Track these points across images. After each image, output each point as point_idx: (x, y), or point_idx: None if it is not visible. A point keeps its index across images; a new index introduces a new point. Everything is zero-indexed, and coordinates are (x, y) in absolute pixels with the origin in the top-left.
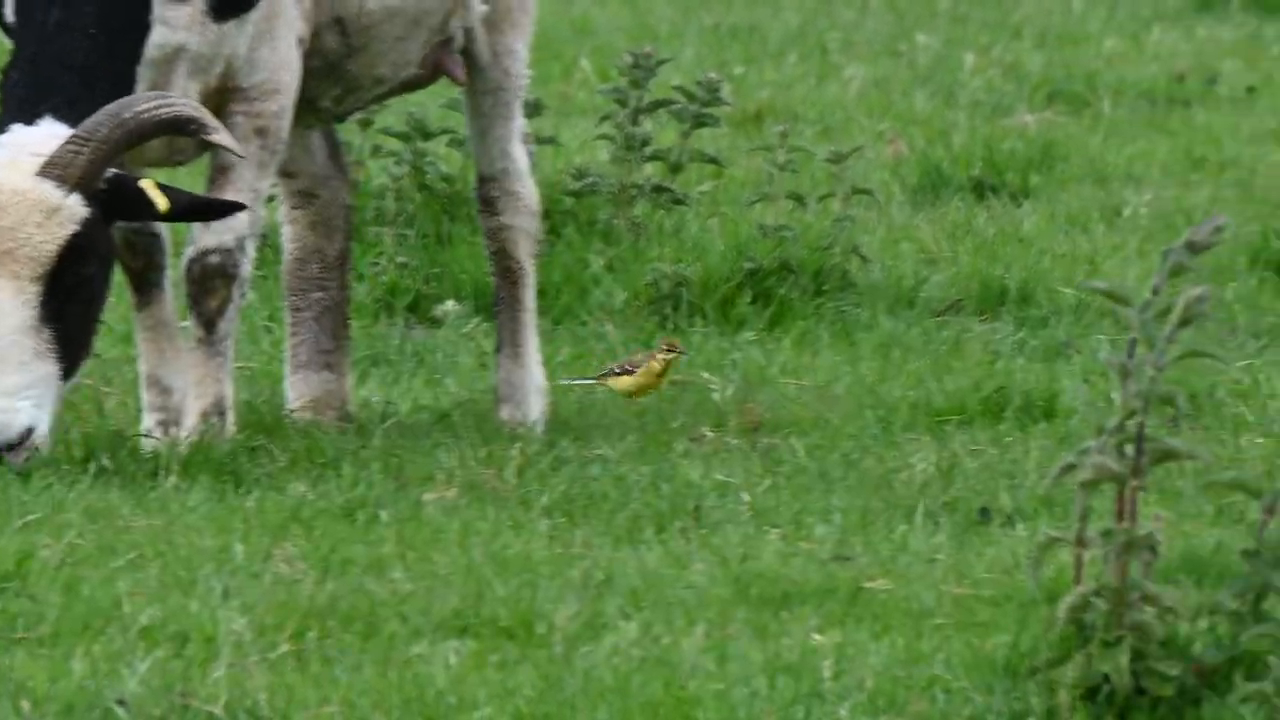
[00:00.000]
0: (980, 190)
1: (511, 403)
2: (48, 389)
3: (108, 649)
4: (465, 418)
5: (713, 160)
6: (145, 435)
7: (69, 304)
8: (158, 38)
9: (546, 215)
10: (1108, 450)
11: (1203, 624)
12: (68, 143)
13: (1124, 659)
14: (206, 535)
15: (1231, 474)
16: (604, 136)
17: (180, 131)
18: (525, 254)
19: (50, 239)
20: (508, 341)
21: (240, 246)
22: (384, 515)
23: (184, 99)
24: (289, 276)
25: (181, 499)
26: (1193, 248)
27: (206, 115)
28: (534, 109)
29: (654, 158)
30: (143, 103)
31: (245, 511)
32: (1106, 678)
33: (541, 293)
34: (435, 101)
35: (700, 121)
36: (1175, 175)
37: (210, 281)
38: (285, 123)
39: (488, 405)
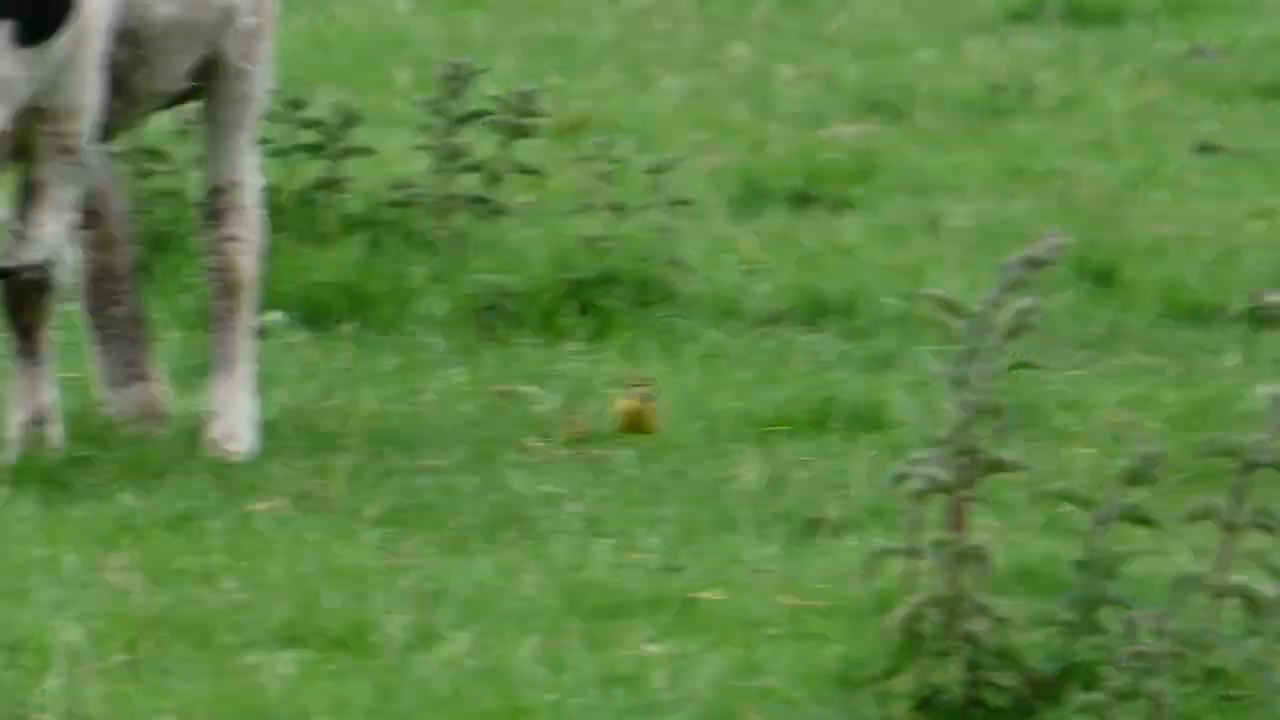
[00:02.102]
0: (800, 201)
1: (221, 425)
2: None
3: None
4: (292, 427)
5: (532, 171)
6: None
7: None
8: None
9: (368, 226)
10: (938, 461)
11: (1037, 635)
12: None
13: (957, 670)
14: (36, 545)
15: (1062, 485)
16: (423, 147)
17: None
18: (249, 269)
19: None
20: (223, 361)
21: (55, 258)
22: (213, 525)
23: None
24: (85, 298)
25: (10, 509)
26: (1031, 263)
27: None
28: (349, 119)
29: (472, 168)
30: None
31: (75, 522)
32: (940, 688)
33: (364, 304)
34: None
35: (518, 132)
36: (994, 186)
37: (27, 296)
38: (89, 138)
39: (314, 415)
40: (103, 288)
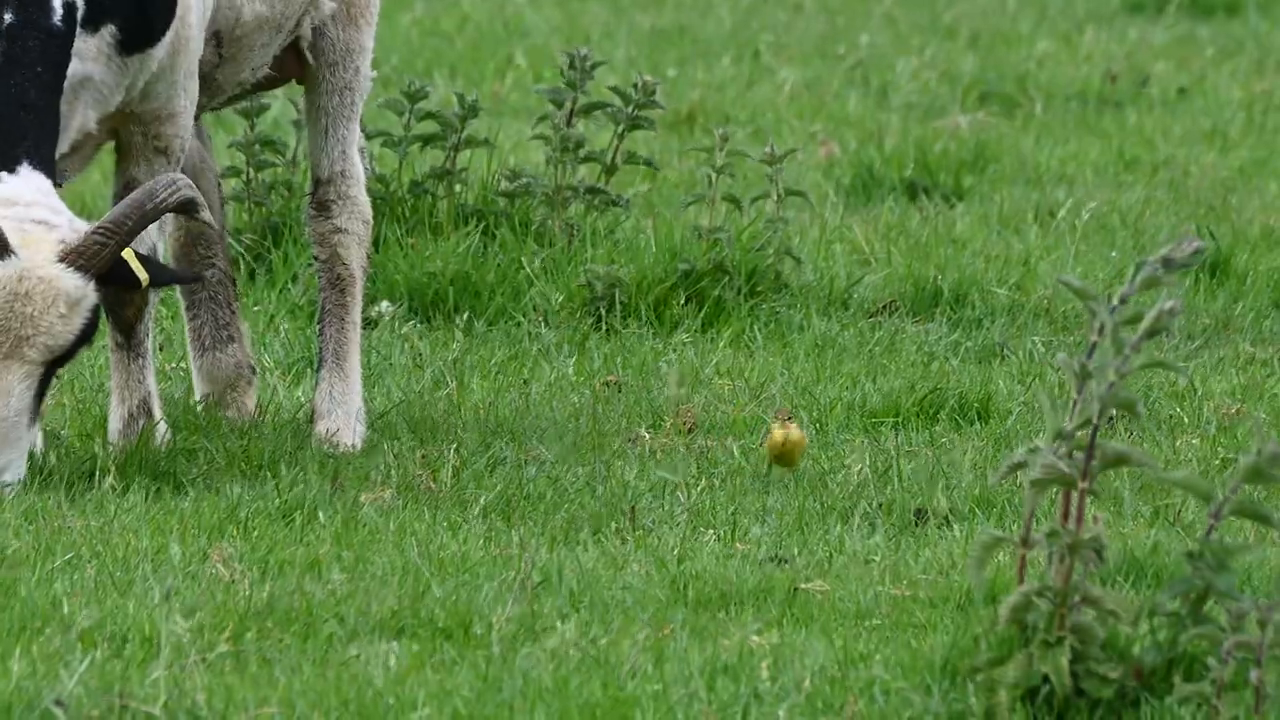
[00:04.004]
0: (913, 191)
1: (330, 419)
2: (27, 451)
3: (46, 649)
4: (401, 418)
5: (647, 163)
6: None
7: (55, 371)
8: (70, 69)
9: (480, 216)
10: (1057, 452)
11: (1143, 626)
12: (95, 233)
13: (1064, 660)
14: (143, 536)
15: (1182, 474)
16: (540, 137)
17: (182, 212)
18: (357, 262)
19: (69, 330)
20: (332, 355)
21: (153, 253)
22: (321, 516)
23: (185, 180)
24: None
25: (118, 500)
26: (1169, 264)
27: (199, 195)
28: (470, 110)
29: (588, 159)
30: (161, 191)
31: (182, 512)
32: (1046, 679)
33: (475, 294)
34: (373, 102)
35: (635, 124)
36: (1108, 176)
37: (126, 292)
38: (185, 140)
39: (423, 406)
40: (196, 254)
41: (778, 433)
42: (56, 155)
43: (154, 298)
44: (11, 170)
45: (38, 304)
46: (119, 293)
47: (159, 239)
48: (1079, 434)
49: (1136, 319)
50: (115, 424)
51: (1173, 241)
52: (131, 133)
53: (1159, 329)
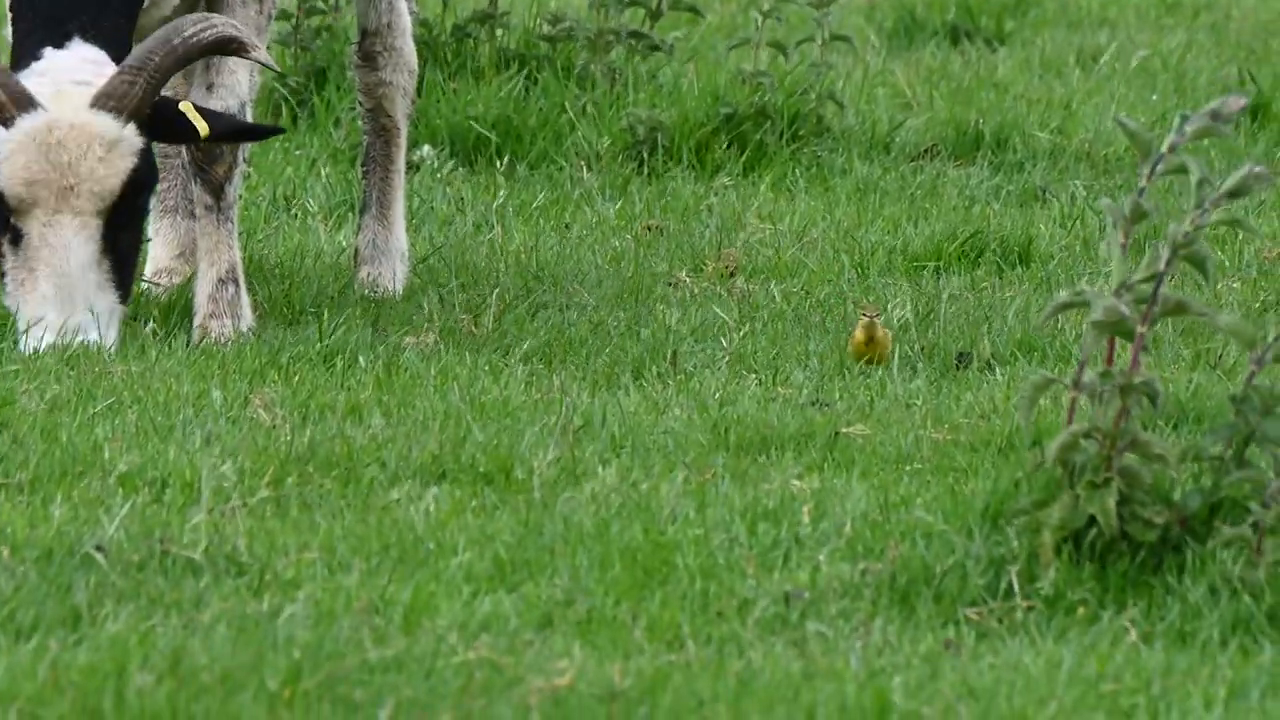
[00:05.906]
0: (955, 35)
1: (373, 265)
2: (111, 320)
3: (86, 495)
4: (443, 263)
5: (691, 8)
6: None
7: (124, 232)
8: None
9: (522, 61)
10: (1119, 297)
11: (1185, 470)
12: (121, 73)
13: (1111, 502)
14: (185, 381)
15: (1230, 319)
16: None
17: (223, 52)
18: (401, 112)
19: (113, 173)
20: (375, 202)
21: (242, 110)
22: (362, 361)
23: (223, 18)
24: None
25: (160, 345)
26: (1216, 118)
27: (245, 33)
28: None
29: (633, 4)
30: (190, 27)
31: (223, 357)
32: (1091, 522)
33: (517, 138)
34: None
35: None
36: (1149, 20)
37: (216, 147)
38: None
39: (465, 251)
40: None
41: (860, 333)
42: (168, 9)
43: (241, 159)
44: (59, 46)
45: (72, 150)
46: (208, 151)
47: (249, 97)
48: (1138, 290)
49: (1180, 169)
50: (204, 289)
51: (1219, 97)
52: None
53: (1242, 190)
